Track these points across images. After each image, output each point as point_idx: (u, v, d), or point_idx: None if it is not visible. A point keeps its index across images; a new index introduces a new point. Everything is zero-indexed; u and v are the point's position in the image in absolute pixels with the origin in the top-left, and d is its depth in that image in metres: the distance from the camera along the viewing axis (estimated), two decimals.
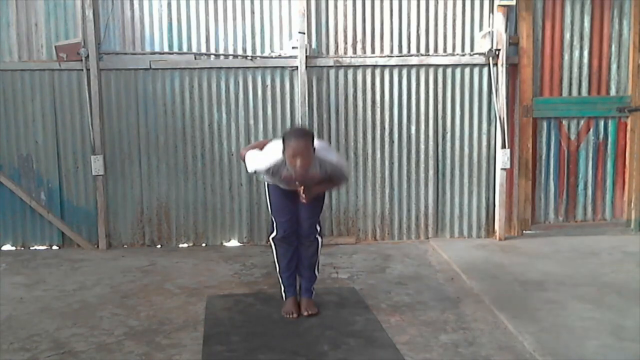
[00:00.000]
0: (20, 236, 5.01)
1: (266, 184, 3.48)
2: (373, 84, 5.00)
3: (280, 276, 3.52)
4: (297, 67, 4.86)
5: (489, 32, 4.93)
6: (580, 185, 5.22)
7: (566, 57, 5.07)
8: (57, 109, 4.90)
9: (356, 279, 4.10)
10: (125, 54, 4.89)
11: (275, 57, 4.92)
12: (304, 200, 3.22)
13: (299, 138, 3.06)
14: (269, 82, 4.93)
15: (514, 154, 5.05)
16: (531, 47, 4.98)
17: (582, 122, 5.15)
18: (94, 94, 4.82)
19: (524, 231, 5.17)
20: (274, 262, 3.53)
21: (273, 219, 3.45)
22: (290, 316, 3.38)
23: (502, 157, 4.98)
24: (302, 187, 3.17)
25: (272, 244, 3.47)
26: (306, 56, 4.84)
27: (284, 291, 3.52)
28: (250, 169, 3.38)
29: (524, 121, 5.04)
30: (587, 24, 5.05)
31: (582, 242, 4.90)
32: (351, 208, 5.11)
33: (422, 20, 4.97)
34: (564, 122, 5.15)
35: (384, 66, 4.98)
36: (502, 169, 5.00)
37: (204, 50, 4.92)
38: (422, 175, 5.10)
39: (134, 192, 5.01)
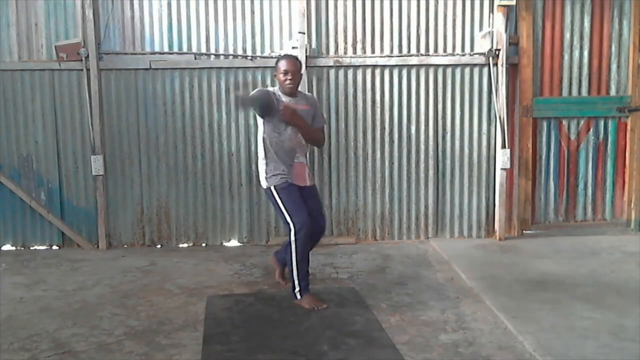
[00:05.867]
0: (20, 236, 5.01)
1: (273, 188, 3.51)
2: (373, 84, 5.00)
3: (298, 273, 3.46)
4: None
5: (489, 32, 4.93)
6: (580, 185, 5.22)
7: (566, 57, 5.07)
8: (57, 109, 4.91)
9: (356, 279, 4.10)
10: (125, 54, 4.89)
11: (275, 57, 4.91)
12: (285, 117, 3.44)
13: (289, 57, 3.60)
14: (269, 82, 4.93)
15: (514, 154, 5.05)
16: (531, 47, 4.98)
17: (582, 122, 5.15)
18: (94, 94, 4.82)
19: (524, 231, 5.17)
20: (293, 260, 3.43)
21: (290, 217, 3.42)
22: (321, 307, 3.44)
23: (502, 157, 4.98)
24: (292, 115, 3.46)
25: (295, 241, 3.40)
26: (306, 56, 4.84)
27: (301, 291, 3.49)
28: (255, 93, 3.53)
29: (524, 121, 5.05)
30: (587, 24, 5.05)
31: (582, 242, 4.90)
32: (351, 208, 5.11)
33: (422, 20, 4.97)
34: (564, 122, 5.15)
35: (384, 66, 4.98)
36: (502, 169, 5.01)
37: (204, 50, 4.92)
38: (422, 175, 5.10)
39: (134, 192, 5.01)
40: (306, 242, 3.45)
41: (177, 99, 4.95)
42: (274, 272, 4.01)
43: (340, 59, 4.95)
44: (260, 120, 3.57)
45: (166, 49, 4.91)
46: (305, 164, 3.67)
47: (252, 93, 3.64)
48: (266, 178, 3.56)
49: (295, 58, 3.64)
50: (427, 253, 4.77)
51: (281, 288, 3.86)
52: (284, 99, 3.55)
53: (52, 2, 4.82)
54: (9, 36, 4.84)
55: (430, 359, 2.84)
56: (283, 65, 3.49)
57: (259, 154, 3.64)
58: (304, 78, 4.80)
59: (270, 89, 3.70)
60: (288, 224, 3.44)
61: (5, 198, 4.93)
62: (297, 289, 3.50)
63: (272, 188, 3.51)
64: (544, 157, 5.16)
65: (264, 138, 3.55)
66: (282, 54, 3.77)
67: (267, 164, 3.55)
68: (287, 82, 3.49)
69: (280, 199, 3.47)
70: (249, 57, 4.93)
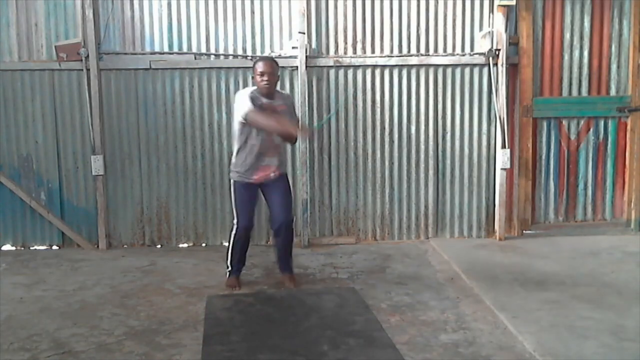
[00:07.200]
0: (20, 236, 5.01)
1: (232, 182, 3.81)
2: (373, 84, 5.00)
3: (231, 262, 3.89)
4: (297, 67, 4.86)
5: (489, 32, 4.93)
6: (580, 185, 5.22)
7: (566, 57, 5.07)
8: (57, 109, 4.91)
9: (356, 279, 4.10)
10: (125, 54, 4.89)
11: (275, 57, 4.91)
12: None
13: (265, 59, 3.75)
14: None
15: (514, 154, 5.05)
16: (531, 47, 4.98)
17: (582, 122, 5.15)
18: (94, 94, 4.82)
19: (524, 231, 5.17)
20: (228, 251, 3.88)
21: (236, 215, 3.79)
22: (235, 289, 3.82)
23: (502, 157, 4.98)
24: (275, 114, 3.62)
25: (234, 235, 3.82)
26: (306, 56, 4.85)
27: (230, 271, 3.91)
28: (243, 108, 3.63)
29: (524, 121, 5.04)
30: (587, 24, 5.05)
31: (582, 242, 4.90)
32: (351, 208, 5.11)
33: (422, 20, 4.97)
34: (564, 122, 5.15)
35: (384, 66, 4.98)
36: (502, 169, 5.01)
37: (204, 50, 4.92)
38: (422, 175, 5.10)
39: (134, 192, 5.01)
40: (243, 240, 3.84)
41: (177, 99, 4.95)
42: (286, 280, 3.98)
43: (340, 59, 4.95)
44: (235, 121, 3.74)
45: (166, 49, 4.91)
46: (274, 165, 3.78)
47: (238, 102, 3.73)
48: (231, 170, 3.84)
49: (272, 60, 3.78)
50: (427, 253, 4.77)
51: (282, 288, 3.86)
52: (262, 100, 3.72)
53: (52, 2, 4.82)
54: (9, 36, 4.83)
55: (430, 359, 2.84)
56: (260, 67, 3.66)
57: (233, 147, 3.86)
58: (304, 78, 4.83)
59: (248, 89, 3.82)
60: (234, 219, 3.82)
61: (5, 198, 4.93)
62: (228, 268, 3.92)
63: (232, 182, 3.82)
64: (544, 157, 5.16)
65: (238, 137, 3.78)
66: (259, 57, 4.05)
67: (236, 159, 3.78)
68: (264, 82, 3.64)
69: (235, 195, 3.80)
70: (249, 57, 4.92)
